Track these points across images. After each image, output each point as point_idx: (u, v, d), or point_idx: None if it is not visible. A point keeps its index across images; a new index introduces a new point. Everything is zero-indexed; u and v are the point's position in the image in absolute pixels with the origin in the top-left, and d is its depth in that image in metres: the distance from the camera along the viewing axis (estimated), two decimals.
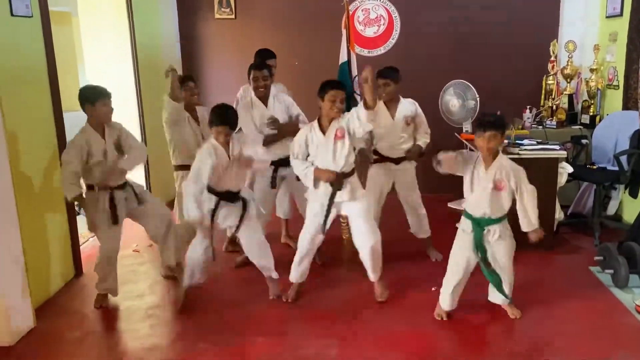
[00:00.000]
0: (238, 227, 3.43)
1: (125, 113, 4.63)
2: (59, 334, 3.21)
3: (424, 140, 4.12)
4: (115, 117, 3.47)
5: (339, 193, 3.32)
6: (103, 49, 5.05)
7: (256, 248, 3.51)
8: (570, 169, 4.12)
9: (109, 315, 3.47)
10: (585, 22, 5.37)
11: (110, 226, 3.41)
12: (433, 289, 3.49)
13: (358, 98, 4.31)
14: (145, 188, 4.47)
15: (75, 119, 3.64)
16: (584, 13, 5.38)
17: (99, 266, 3.50)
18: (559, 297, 3.49)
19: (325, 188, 3.35)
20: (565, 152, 4.12)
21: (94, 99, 3.31)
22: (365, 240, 3.38)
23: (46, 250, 3.63)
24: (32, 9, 3.45)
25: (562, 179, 4.16)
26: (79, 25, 5.30)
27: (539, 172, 4.05)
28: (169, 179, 4.47)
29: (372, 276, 3.49)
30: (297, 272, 3.54)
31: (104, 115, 3.36)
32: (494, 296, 3.30)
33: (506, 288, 3.21)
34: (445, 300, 3.24)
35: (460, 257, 3.16)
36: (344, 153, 3.29)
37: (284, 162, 3.78)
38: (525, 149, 4.08)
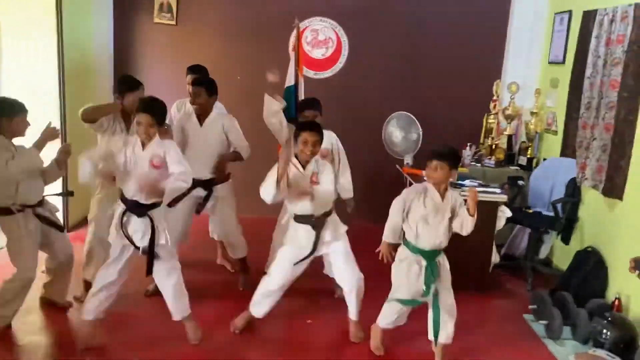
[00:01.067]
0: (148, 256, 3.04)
1: (44, 119, 4.17)
2: None
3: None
4: (33, 124, 3.21)
5: (322, 233, 3.22)
6: (25, 48, 4.57)
7: (170, 291, 3.15)
8: (509, 213, 4.10)
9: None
10: (527, 66, 5.45)
11: (34, 249, 3.15)
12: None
13: None
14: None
15: None
16: (527, 56, 5.47)
17: (8, 291, 3.10)
18: (492, 345, 3.43)
19: (306, 232, 3.21)
20: (505, 196, 4.10)
21: (12, 114, 3.07)
22: (351, 279, 3.30)
23: None
24: None
25: (500, 223, 4.12)
26: None
27: (479, 214, 4.01)
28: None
29: (354, 315, 3.37)
30: (265, 306, 3.35)
31: (22, 131, 3.14)
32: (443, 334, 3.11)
33: (452, 327, 3.07)
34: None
35: (407, 291, 3.03)
36: (324, 197, 3.21)
37: (210, 183, 3.74)
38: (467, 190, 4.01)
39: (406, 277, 3.03)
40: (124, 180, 2.97)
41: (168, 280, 3.11)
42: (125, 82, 3.62)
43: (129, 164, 2.96)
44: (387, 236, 3.09)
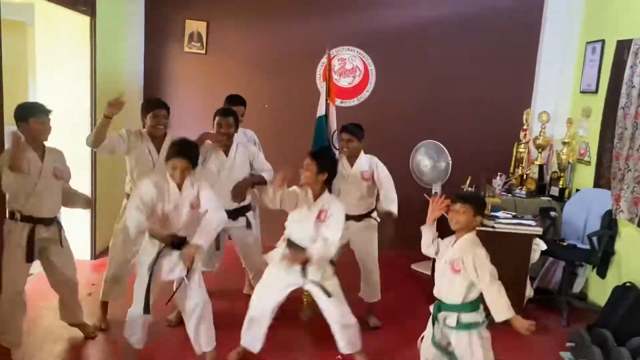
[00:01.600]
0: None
1: (76, 136, 4.22)
2: None
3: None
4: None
5: (309, 271, 3.15)
6: (59, 66, 4.69)
7: (194, 323, 3.11)
8: (544, 246, 4.00)
9: None
10: (558, 95, 5.39)
11: (20, 264, 3.03)
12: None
13: (336, 152, 4.12)
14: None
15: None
16: (557, 86, 5.41)
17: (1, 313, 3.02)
18: None
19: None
20: (540, 229, 4.00)
21: (27, 115, 3.02)
22: (336, 315, 3.22)
23: None
24: None
25: (535, 256, 4.03)
26: (34, 36, 4.92)
27: (513, 247, 3.94)
28: (116, 210, 4.04)
29: (344, 349, 3.28)
30: (248, 336, 3.26)
31: (38, 133, 3.06)
32: None
33: None
34: None
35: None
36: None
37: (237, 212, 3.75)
38: (501, 223, 3.94)
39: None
40: (164, 223, 2.99)
41: (194, 312, 3.08)
42: (149, 103, 3.71)
43: (167, 208, 2.99)
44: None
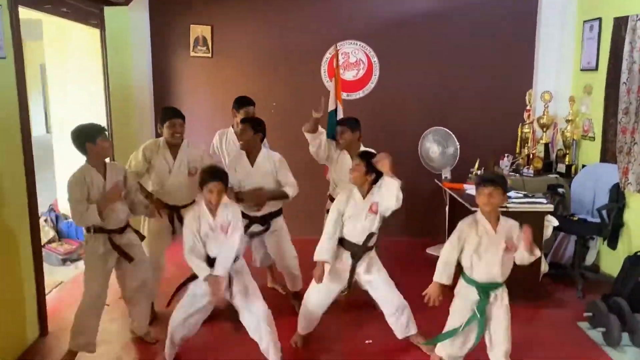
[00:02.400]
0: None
1: None
2: None
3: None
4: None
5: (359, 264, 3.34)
6: (70, 80, 4.84)
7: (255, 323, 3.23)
8: (555, 222, 4.14)
9: None
10: (559, 74, 5.50)
11: (101, 271, 3.26)
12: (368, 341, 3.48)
13: None
14: None
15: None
16: (557, 65, 5.51)
17: (79, 316, 3.24)
18: (551, 355, 3.45)
19: (346, 258, 3.35)
20: (552, 206, 4.13)
21: (94, 136, 3.17)
22: (392, 303, 3.42)
23: (11, 307, 3.30)
24: (5, 50, 3.21)
25: (547, 232, 4.16)
26: (43, 50, 5.07)
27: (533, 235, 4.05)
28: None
29: (401, 334, 3.47)
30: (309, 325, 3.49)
31: (105, 151, 3.25)
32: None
33: (502, 357, 2.97)
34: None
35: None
36: (372, 227, 3.34)
37: (266, 218, 3.87)
38: (513, 202, 4.07)
39: (459, 313, 2.99)
40: (206, 248, 3.17)
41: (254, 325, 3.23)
42: (165, 113, 3.83)
43: (205, 237, 3.16)
44: (439, 277, 2.97)
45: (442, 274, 2.96)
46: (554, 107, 5.43)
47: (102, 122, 4.83)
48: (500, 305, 2.94)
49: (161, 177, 3.75)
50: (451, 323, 3.02)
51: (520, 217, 3.92)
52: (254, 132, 3.79)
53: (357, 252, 3.34)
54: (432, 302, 2.96)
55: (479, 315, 2.91)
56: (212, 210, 3.15)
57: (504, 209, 3.99)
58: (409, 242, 5.57)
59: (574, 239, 4.67)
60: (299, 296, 4.14)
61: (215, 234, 3.15)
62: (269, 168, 3.83)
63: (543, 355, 3.44)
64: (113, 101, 4.89)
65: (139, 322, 3.57)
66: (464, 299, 2.98)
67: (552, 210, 4.12)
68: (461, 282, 3.02)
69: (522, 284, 4.01)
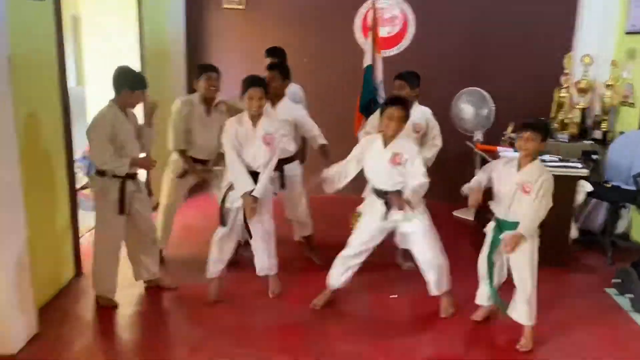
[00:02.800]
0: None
1: None
2: (63, 342, 3.02)
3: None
4: None
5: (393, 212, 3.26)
6: (107, 41, 4.82)
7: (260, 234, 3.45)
8: (589, 188, 4.07)
9: (112, 321, 3.30)
10: (601, 37, 5.30)
11: (115, 217, 3.25)
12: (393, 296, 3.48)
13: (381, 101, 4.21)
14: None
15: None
16: (601, 27, 5.31)
17: (98, 264, 3.32)
18: (578, 320, 3.44)
19: (380, 205, 3.29)
20: (587, 171, 4.06)
21: (136, 86, 3.20)
22: (427, 258, 3.36)
23: (49, 248, 3.41)
24: None
25: (580, 197, 4.11)
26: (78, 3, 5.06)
27: (558, 189, 3.90)
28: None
29: (435, 291, 3.41)
30: (342, 275, 3.44)
31: (136, 104, 3.29)
32: (514, 311, 3.14)
33: (523, 306, 3.06)
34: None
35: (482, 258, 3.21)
36: (397, 179, 3.24)
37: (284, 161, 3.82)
38: (548, 165, 3.98)
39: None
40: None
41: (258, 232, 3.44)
42: (201, 67, 3.85)
43: (244, 140, 3.30)
44: (472, 184, 3.15)
45: (474, 183, 3.14)
46: (594, 71, 5.25)
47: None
48: (518, 251, 3.02)
49: (196, 131, 3.79)
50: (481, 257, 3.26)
51: (555, 181, 3.91)
52: (282, 79, 3.82)
53: (387, 200, 3.26)
54: (475, 202, 3.07)
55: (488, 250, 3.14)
56: (253, 118, 3.28)
57: None
58: (435, 205, 5.51)
59: (606, 206, 4.59)
60: (313, 247, 4.19)
61: (254, 142, 3.28)
62: (288, 114, 3.84)
63: (569, 320, 3.43)
64: (147, 53, 4.90)
65: (148, 265, 3.53)
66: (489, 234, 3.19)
67: (587, 175, 4.05)
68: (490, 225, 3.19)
69: (550, 249, 3.98)
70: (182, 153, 3.83)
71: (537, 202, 2.92)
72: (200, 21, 5.71)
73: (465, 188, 3.19)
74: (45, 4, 3.26)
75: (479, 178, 3.16)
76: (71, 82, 4.45)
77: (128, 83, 3.18)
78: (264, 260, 3.50)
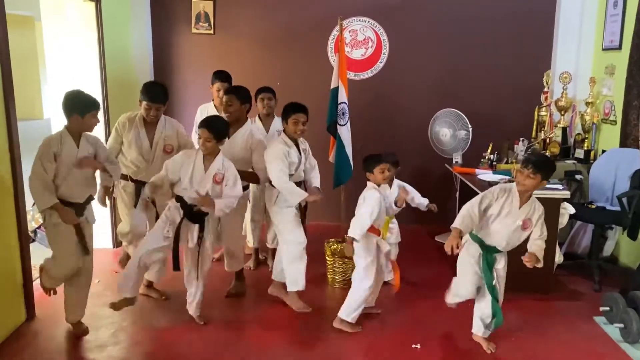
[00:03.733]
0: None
1: None
2: None
3: None
4: None
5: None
6: (68, 57, 4.62)
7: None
8: (572, 210, 3.88)
9: None
10: (579, 54, 5.19)
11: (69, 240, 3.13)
12: (415, 346, 3.24)
13: (339, 128, 4.08)
14: None
15: (29, 129, 3.23)
16: (577, 44, 5.21)
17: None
18: (563, 352, 3.21)
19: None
20: (568, 192, 3.88)
21: (85, 110, 3.02)
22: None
23: None
24: None
25: (563, 220, 3.91)
26: (42, 31, 4.86)
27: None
28: None
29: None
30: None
31: (89, 128, 3.11)
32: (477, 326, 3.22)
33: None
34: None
35: (467, 286, 3.16)
36: None
37: None
38: None
39: (470, 265, 3.11)
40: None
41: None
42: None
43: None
44: (459, 223, 2.92)
45: (461, 223, 2.93)
46: (573, 88, 5.15)
47: (97, 96, 4.68)
48: (499, 263, 3.11)
49: (138, 153, 3.64)
50: (458, 275, 3.21)
51: None
52: (240, 102, 3.66)
53: None
54: (451, 249, 2.86)
55: (481, 273, 3.08)
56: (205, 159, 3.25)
57: None
58: (416, 230, 5.34)
59: (592, 228, 4.40)
60: (241, 278, 3.97)
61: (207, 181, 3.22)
62: (245, 144, 3.66)
63: (556, 352, 3.21)
64: (112, 78, 4.74)
65: (74, 307, 3.32)
66: (467, 254, 3.12)
67: (568, 196, 3.87)
68: (466, 237, 3.12)
69: (534, 276, 3.79)
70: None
71: (543, 239, 2.98)
72: (168, 48, 5.54)
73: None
74: None
75: (469, 219, 2.95)
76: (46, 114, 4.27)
77: (77, 108, 3.02)
78: None
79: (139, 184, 3.66)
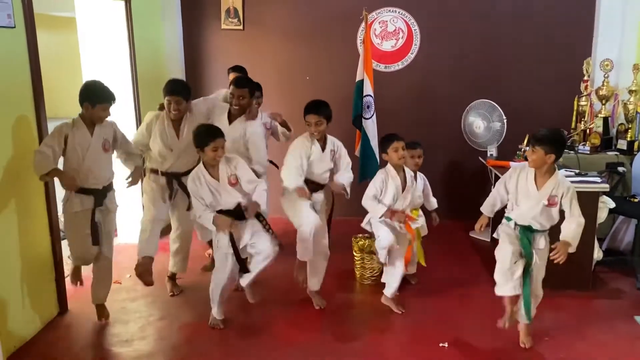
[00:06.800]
0: None
1: (121, 125, 4.24)
2: None
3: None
4: None
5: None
6: (101, 56, 4.70)
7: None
8: (612, 204, 3.70)
9: None
10: (622, 39, 4.94)
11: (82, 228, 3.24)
12: (443, 344, 3.14)
13: (364, 122, 3.99)
14: None
15: None
16: (620, 29, 4.95)
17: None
18: (603, 352, 3.06)
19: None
20: (607, 185, 3.69)
21: (96, 101, 3.12)
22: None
23: (23, 282, 3.22)
24: (14, 19, 3.08)
25: (602, 215, 3.74)
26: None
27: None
28: None
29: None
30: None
31: (98, 119, 3.20)
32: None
33: (533, 301, 3.06)
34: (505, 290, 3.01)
35: (507, 249, 2.99)
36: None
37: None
38: None
39: (506, 237, 3.02)
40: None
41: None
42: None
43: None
44: (484, 209, 3.22)
45: (486, 207, 3.22)
46: (615, 76, 4.91)
47: (130, 98, 4.75)
48: (538, 244, 2.99)
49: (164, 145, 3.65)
50: (499, 245, 3.07)
51: None
52: (250, 96, 3.69)
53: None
54: (480, 228, 3.18)
55: (519, 242, 2.98)
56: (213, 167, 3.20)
57: None
58: (451, 225, 5.20)
59: (635, 223, 4.19)
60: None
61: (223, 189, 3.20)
62: (241, 133, 3.66)
63: (594, 353, 3.05)
64: (143, 75, 4.80)
65: (98, 293, 3.47)
66: (506, 226, 3.06)
67: (607, 190, 3.68)
68: (505, 221, 3.09)
69: (572, 271, 3.64)
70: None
71: (576, 217, 2.90)
72: (199, 44, 5.57)
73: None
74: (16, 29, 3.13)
75: (493, 200, 3.17)
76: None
77: (89, 98, 3.12)
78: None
79: (170, 177, 3.68)
